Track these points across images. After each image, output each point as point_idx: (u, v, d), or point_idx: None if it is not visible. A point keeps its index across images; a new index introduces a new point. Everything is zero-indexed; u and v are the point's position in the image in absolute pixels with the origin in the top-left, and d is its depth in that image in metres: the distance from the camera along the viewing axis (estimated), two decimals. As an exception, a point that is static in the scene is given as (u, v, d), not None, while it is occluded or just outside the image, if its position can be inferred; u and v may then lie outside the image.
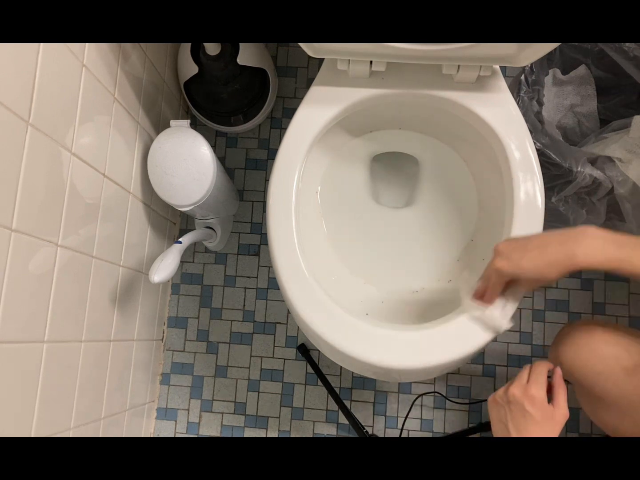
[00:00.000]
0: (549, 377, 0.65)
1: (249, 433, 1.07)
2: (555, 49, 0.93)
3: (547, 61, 0.94)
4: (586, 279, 1.06)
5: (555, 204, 0.82)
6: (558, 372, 0.65)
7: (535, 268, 0.61)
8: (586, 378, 0.68)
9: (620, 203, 0.83)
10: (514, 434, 0.62)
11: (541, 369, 0.64)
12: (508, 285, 0.66)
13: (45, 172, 0.62)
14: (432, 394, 1.05)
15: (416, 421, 1.05)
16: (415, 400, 1.03)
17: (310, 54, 0.71)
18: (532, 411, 0.61)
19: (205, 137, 0.86)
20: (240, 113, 1.04)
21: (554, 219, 0.85)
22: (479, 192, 0.85)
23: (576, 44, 0.92)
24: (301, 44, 0.70)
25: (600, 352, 0.66)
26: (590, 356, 0.68)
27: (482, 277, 0.67)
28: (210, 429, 1.07)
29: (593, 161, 0.83)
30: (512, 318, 0.67)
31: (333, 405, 1.05)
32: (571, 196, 0.85)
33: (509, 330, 1.05)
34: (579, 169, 0.81)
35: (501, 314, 0.66)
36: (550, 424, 0.60)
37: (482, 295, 0.67)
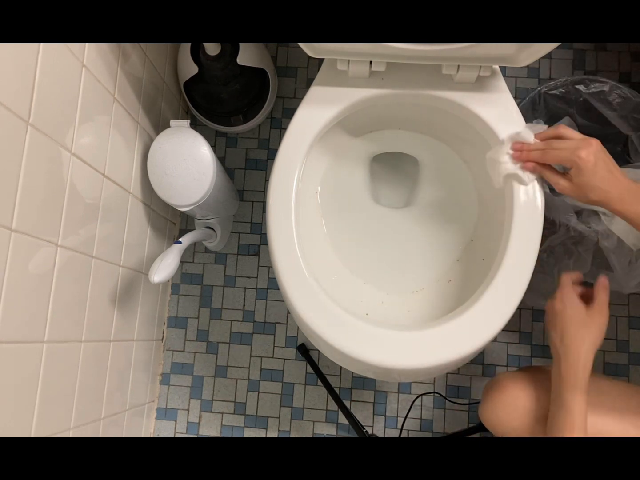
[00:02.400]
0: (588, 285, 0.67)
1: (249, 433, 1.07)
2: (539, 99, 0.94)
3: (532, 111, 0.95)
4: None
5: (540, 255, 0.82)
6: (600, 277, 0.66)
7: (601, 193, 0.63)
8: (507, 434, 0.70)
9: (606, 254, 0.84)
10: (554, 338, 0.65)
11: (564, 279, 0.66)
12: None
13: (45, 172, 0.62)
14: (432, 394, 1.05)
15: (416, 421, 1.05)
16: (414, 401, 1.03)
17: (310, 54, 0.71)
18: (562, 309, 0.64)
19: (205, 137, 0.86)
20: (240, 113, 1.04)
21: (537, 269, 0.85)
22: (479, 192, 0.85)
23: (560, 94, 0.93)
24: (301, 44, 0.70)
25: (514, 406, 0.68)
26: (504, 413, 0.70)
27: (544, 134, 0.68)
28: (210, 429, 1.07)
29: (578, 213, 0.84)
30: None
31: (333, 405, 1.05)
32: (557, 246, 0.85)
33: (509, 330, 1.06)
34: (563, 222, 0.82)
35: (519, 172, 0.68)
36: (583, 321, 0.63)
37: (521, 149, 0.68)
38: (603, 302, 0.64)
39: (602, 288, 0.65)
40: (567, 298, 0.64)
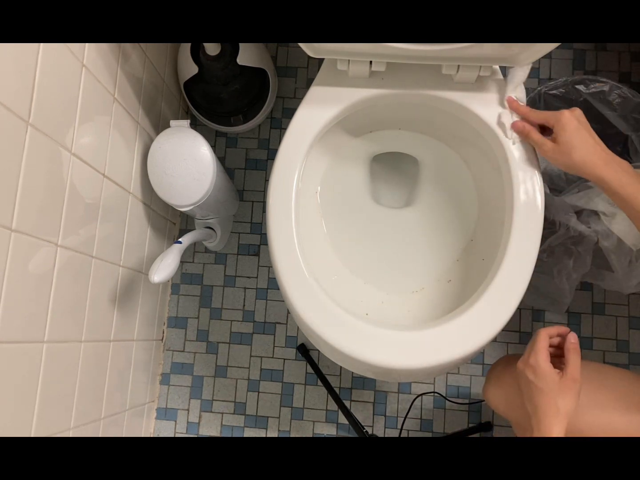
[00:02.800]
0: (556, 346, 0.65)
1: (249, 433, 1.07)
2: (539, 99, 0.95)
3: None
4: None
5: (540, 255, 0.82)
6: (569, 336, 0.63)
7: (570, 162, 0.65)
8: (511, 413, 0.69)
9: (606, 254, 0.84)
10: (528, 406, 0.61)
11: (540, 337, 0.62)
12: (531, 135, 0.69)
13: (45, 172, 0.62)
14: (432, 394, 1.05)
15: (416, 421, 1.05)
16: (414, 401, 1.03)
17: (310, 54, 0.71)
18: (535, 380, 0.60)
19: (205, 137, 0.86)
20: (240, 113, 1.04)
21: (537, 269, 0.84)
22: (479, 192, 0.85)
23: (560, 94, 0.94)
24: (301, 44, 0.70)
25: (516, 386, 0.65)
26: (508, 391, 0.69)
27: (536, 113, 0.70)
28: (210, 429, 1.07)
29: (578, 213, 0.84)
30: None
31: (333, 405, 1.05)
32: (557, 246, 0.85)
33: (509, 330, 1.06)
34: (563, 222, 0.82)
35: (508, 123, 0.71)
36: (556, 391, 0.59)
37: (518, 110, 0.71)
38: (575, 366, 0.60)
39: (573, 350, 0.61)
40: (542, 367, 0.60)
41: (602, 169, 0.63)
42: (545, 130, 0.70)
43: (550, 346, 0.64)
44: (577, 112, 0.66)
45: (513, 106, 0.71)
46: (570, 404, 0.59)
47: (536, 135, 0.69)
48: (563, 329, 0.64)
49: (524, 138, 0.70)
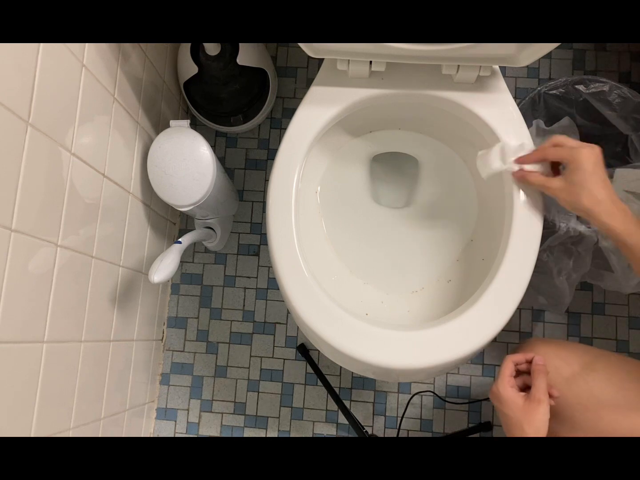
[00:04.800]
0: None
1: (249, 433, 1.07)
2: (539, 99, 0.94)
3: (532, 111, 0.95)
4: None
5: (540, 255, 0.82)
6: (534, 360, 0.64)
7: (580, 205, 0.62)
8: None
9: (606, 254, 0.83)
10: (505, 431, 0.63)
11: (505, 364, 0.64)
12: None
13: (45, 172, 0.62)
14: (428, 393, 1.05)
15: (416, 421, 1.05)
16: (410, 400, 1.03)
17: (310, 54, 0.71)
18: (500, 407, 0.63)
19: (205, 137, 0.86)
20: (240, 113, 1.04)
21: (537, 269, 0.84)
22: (479, 192, 0.85)
23: (560, 94, 0.93)
24: (301, 44, 0.70)
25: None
26: None
27: (548, 145, 0.66)
28: (210, 429, 1.07)
29: None
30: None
31: (333, 405, 1.05)
32: (557, 246, 0.85)
33: (509, 330, 1.06)
34: (563, 222, 0.82)
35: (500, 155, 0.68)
36: (520, 415, 0.60)
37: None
38: (540, 388, 0.61)
39: (538, 372, 0.62)
40: (503, 394, 0.62)
41: (609, 217, 0.62)
42: (555, 166, 0.68)
43: (521, 372, 0.66)
44: (597, 150, 0.63)
45: (524, 161, 0.68)
46: (536, 425, 0.60)
47: (536, 178, 0.66)
48: (529, 355, 0.66)
49: (526, 184, 0.68)
